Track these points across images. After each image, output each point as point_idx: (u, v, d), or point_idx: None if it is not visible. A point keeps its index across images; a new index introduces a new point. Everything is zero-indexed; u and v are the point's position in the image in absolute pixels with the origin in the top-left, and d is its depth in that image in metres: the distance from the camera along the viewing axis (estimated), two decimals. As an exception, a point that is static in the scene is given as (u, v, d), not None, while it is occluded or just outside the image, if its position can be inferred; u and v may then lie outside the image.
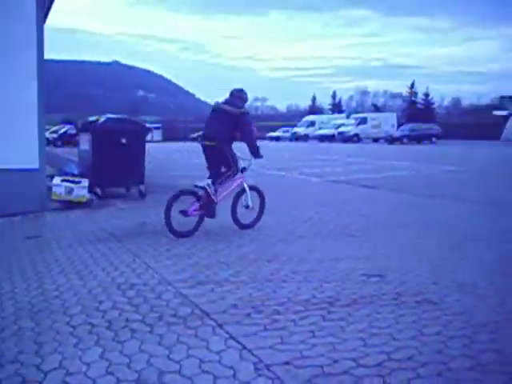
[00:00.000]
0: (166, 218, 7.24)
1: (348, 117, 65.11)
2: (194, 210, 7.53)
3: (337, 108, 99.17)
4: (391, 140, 50.22)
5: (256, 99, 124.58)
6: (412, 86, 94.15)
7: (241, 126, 7.75)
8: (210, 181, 7.61)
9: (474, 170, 20.10)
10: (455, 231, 7.93)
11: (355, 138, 53.31)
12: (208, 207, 7.60)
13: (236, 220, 8.06)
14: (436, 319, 4.29)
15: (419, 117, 74.32)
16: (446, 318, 4.31)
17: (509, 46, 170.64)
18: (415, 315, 4.38)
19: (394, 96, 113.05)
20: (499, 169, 20.80)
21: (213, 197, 7.59)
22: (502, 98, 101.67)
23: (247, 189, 8.01)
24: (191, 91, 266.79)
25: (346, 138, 53.02)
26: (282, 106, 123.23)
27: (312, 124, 63.43)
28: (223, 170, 7.82)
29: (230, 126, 7.70)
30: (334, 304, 4.68)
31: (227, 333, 4.01)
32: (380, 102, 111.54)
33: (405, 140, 49.59)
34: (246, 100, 8.13)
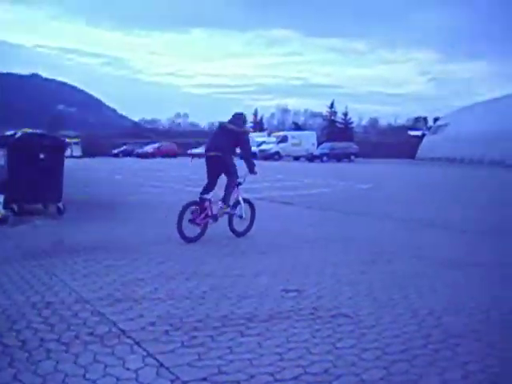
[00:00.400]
0: (178, 227, 8.19)
1: (269, 135, 65.85)
2: (202, 219, 8.52)
3: (258, 126, 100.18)
4: (311, 158, 51.19)
5: (178, 115, 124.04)
6: (331, 105, 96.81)
7: (241, 142, 8.91)
8: (221, 202, 8.74)
9: (390, 187, 20.78)
10: (372, 246, 8.18)
11: (276, 156, 53.88)
12: (212, 217, 8.71)
13: (233, 229, 8.97)
14: (350, 333, 4.41)
15: (338, 135, 76.44)
16: (359, 331, 4.45)
17: (422, 69, 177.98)
18: (330, 329, 4.49)
19: (314, 115, 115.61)
20: (413, 186, 21.57)
21: (229, 209, 8.84)
22: (417, 118, 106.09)
23: (242, 201, 9.01)
24: (112, 106, 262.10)
25: (267, 156, 53.42)
26: (203, 123, 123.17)
27: (234, 141, 63.55)
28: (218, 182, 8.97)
29: (233, 141, 8.81)
30: (252, 320, 4.74)
31: (145, 350, 3.98)
32: (301, 120, 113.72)
33: (324, 158, 50.73)
34: (246, 121, 9.41)
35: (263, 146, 56.10)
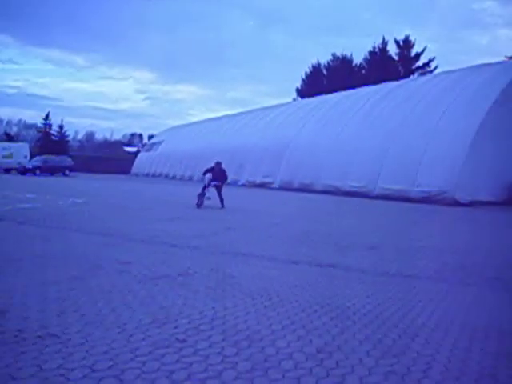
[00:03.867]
0: (198, 200, 19.12)
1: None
2: (205, 196, 19.43)
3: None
4: (23, 171, 49.01)
5: None
6: (47, 117, 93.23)
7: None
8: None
9: (101, 202, 20.72)
10: (83, 262, 8.00)
11: (-17, 168, 50.35)
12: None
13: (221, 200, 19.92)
14: (57, 352, 4.27)
15: (53, 148, 74.04)
16: (67, 350, 4.32)
17: (138, 87, 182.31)
18: (37, 351, 4.29)
19: (28, 126, 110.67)
20: (127, 201, 21.83)
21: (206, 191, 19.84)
22: (133, 135, 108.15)
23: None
24: None
25: (-29, 168, 49.71)
26: None
27: None
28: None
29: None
30: None
31: None
32: (13, 131, 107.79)
33: (37, 171, 48.93)
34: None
35: (-32, 158, 51.89)
